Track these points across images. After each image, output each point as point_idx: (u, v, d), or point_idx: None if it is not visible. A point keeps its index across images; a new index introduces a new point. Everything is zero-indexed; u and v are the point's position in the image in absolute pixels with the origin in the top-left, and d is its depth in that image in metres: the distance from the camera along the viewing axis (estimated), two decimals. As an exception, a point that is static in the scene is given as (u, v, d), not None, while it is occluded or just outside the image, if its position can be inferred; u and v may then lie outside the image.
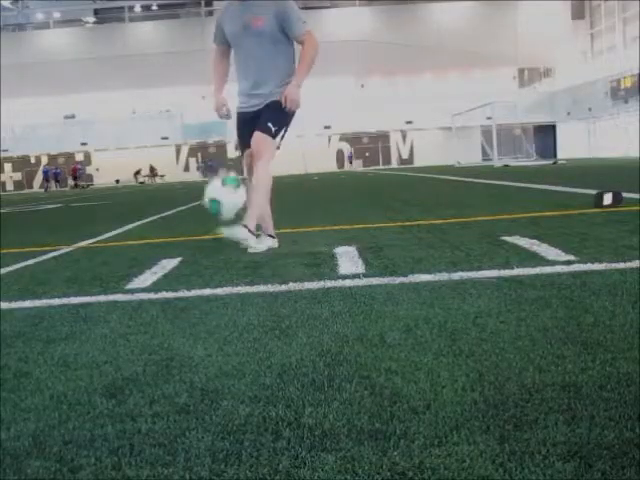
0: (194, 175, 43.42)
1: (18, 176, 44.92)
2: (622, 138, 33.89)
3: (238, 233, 3.95)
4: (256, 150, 4.13)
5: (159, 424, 1.40)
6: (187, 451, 1.26)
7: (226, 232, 3.97)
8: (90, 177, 44.06)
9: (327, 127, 40.38)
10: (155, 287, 3.04)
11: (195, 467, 1.19)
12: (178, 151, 44.57)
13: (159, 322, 2.34)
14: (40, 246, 5.22)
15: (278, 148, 4.22)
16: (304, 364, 1.74)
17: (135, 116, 43.64)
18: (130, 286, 3.11)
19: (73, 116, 45.36)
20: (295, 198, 11.36)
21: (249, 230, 3.98)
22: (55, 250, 4.87)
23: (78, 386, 1.69)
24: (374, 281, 2.85)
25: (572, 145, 40.03)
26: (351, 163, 42.44)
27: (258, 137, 4.11)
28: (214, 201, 3.99)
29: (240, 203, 4.03)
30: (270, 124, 4.09)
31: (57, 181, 40.87)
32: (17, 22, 47.89)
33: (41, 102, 44.46)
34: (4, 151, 43.49)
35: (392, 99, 42.23)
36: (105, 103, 44.07)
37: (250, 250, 3.99)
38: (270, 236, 4.27)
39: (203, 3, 47.44)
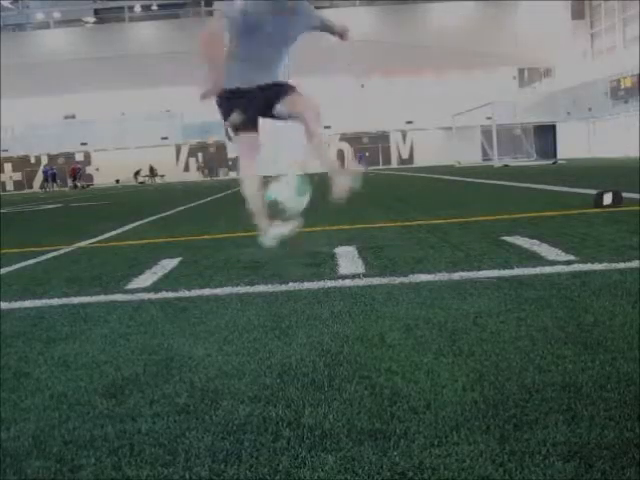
0: (194, 175, 43.40)
1: (18, 176, 44.88)
2: (622, 138, 33.84)
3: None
4: None
5: (159, 424, 1.40)
6: (187, 451, 1.26)
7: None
8: (90, 177, 44.03)
9: (327, 127, 40.32)
10: (155, 287, 3.04)
11: (195, 467, 1.19)
12: (178, 151, 44.53)
13: (159, 322, 2.34)
14: (40, 246, 5.22)
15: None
16: (304, 364, 1.74)
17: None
18: (130, 286, 3.11)
19: (73, 116, 45.34)
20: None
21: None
22: (55, 250, 4.87)
23: (78, 386, 1.69)
24: (374, 281, 2.85)
25: (572, 145, 39.96)
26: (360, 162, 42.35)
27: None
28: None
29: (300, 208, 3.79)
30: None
31: (54, 181, 40.83)
32: (17, 22, 47.88)
33: (41, 102, 44.43)
34: (4, 151, 43.44)
35: (392, 99, 42.20)
36: (105, 103, 44.04)
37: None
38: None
39: (203, 3, 47.44)
